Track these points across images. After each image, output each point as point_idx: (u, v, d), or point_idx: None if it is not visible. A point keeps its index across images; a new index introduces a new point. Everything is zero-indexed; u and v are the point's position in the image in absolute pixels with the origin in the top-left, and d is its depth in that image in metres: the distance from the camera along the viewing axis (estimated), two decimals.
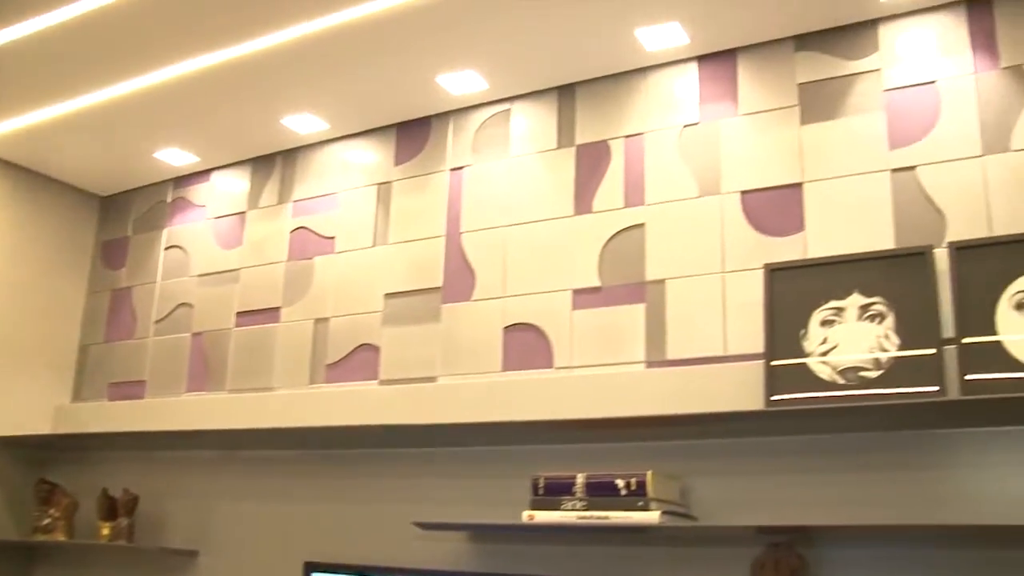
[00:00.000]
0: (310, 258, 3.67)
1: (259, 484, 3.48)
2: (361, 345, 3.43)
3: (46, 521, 3.74)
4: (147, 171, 4.17)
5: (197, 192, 4.12)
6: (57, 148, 3.95)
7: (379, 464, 3.22)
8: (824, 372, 2.60)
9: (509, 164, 3.36)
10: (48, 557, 3.94)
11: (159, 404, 3.85)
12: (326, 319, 3.54)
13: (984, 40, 2.74)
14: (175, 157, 4.01)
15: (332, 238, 3.64)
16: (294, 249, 3.73)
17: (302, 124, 3.67)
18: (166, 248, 4.13)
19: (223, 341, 3.78)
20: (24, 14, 3.06)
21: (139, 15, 3.01)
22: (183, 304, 3.97)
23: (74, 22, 3.05)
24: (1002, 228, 2.56)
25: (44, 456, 4.04)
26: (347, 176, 3.69)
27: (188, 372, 3.84)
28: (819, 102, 2.90)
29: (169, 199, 4.20)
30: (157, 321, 4.03)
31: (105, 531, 3.60)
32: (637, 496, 2.53)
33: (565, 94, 3.33)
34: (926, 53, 2.80)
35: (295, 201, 3.79)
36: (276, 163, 3.90)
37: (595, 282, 3.08)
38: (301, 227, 3.74)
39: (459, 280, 3.32)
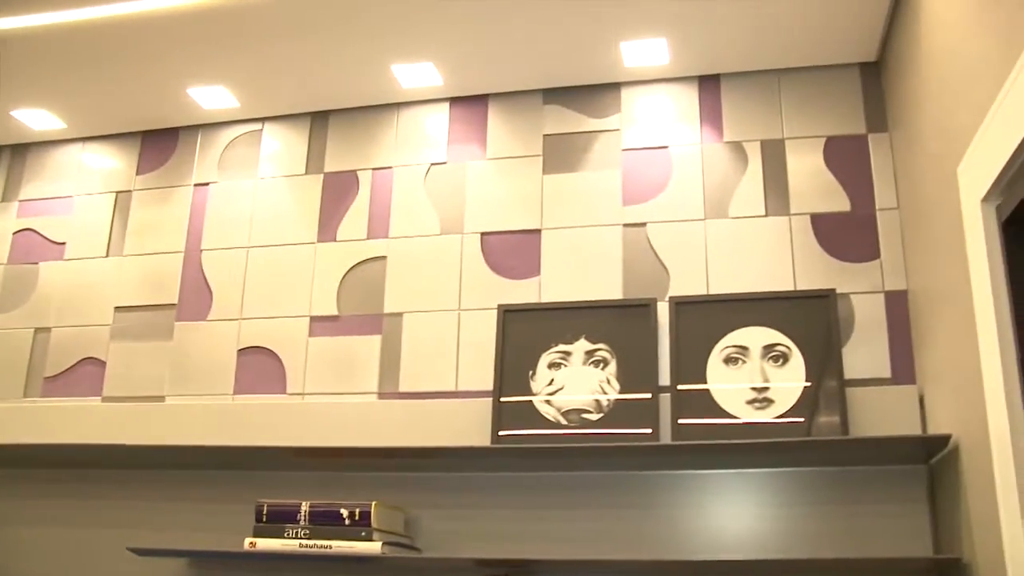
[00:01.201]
0: (35, 263, 3.47)
1: None
2: (85, 359, 3.28)
3: None
4: None
5: None
6: None
7: (98, 485, 3.07)
8: (549, 412, 2.73)
9: (256, 185, 3.32)
10: None
11: None
12: (48, 329, 3.36)
13: (711, 115, 2.98)
14: None
15: (62, 244, 3.46)
16: (17, 252, 3.51)
17: (35, 119, 3.47)
18: None
19: None
20: None
21: None
22: None
23: None
24: (717, 287, 2.79)
25: None
26: (83, 180, 3.53)
27: None
28: (562, 154, 3.05)
29: None
30: None
31: None
32: (361, 526, 2.55)
33: (318, 120, 3.34)
34: (662, 120, 3.01)
35: (22, 200, 3.58)
36: (2, 157, 3.67)
37: (333, 310, 3.09)
38: (27, 228, 3.53)
39: (195, 298, 3.24)
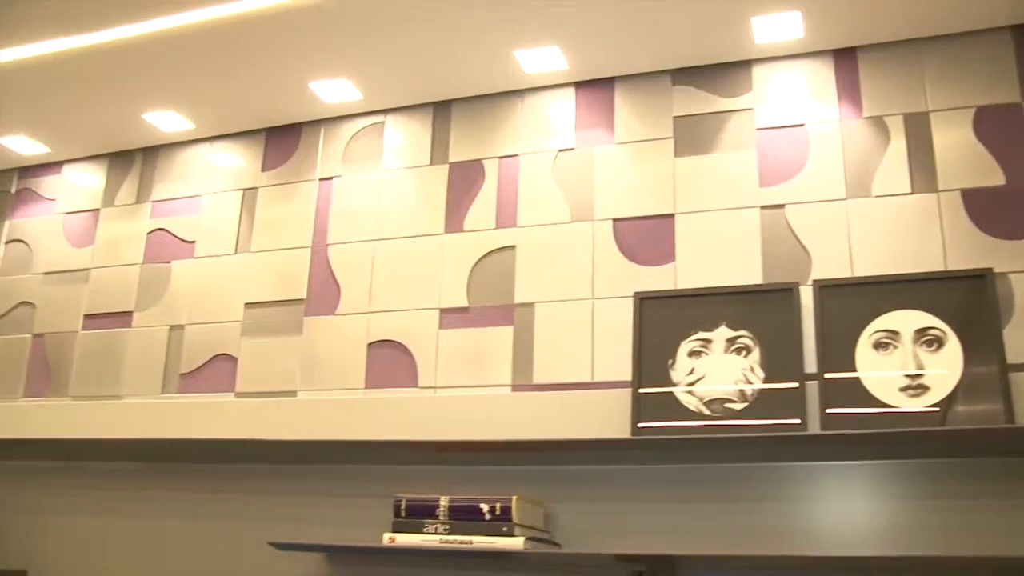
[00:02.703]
0: (167, 262, 3.52)
1: (102, 498, 3.30)
2: (218, 355, 3.31)
3: None
4: None
5: (46, 184, 3.90)
6: None
7: (233, 480, 3.11)
8: (691, 402, 2.65)
9: (380, 177, 3.30)
10: None
11: None
12: (182, 326, 3.40)
13: (849, 90, 2.85)
14: (21, 145, 3.78)
15: (192, 242, 3.50)
16: (151, 251, 3.57)
17: (165, 121, 3.52)
18: (7, 242, 3.90)
19: (68, 344, 3.59)
20: None
21: None
22: (24, 303, 3.75)
23: None
24: (862, 270, 2.66)
25: None
26: (211, 179, 3.57)
27: (27, 375, 3.62)
28: (693, 136, 2.96)
29: (13, 189, 3.97)
30: None
31: None
32: (502, 521, 2.51)
33: (441, 110, 3.31)
34: (797, 97, 2.89)
35: (154, 201, 3.64)
36: (135, 160, 3.74)
37: (463, 302, 3.06)
38: (159, 229, 3.59)
39: (324, 293, 3.25)
